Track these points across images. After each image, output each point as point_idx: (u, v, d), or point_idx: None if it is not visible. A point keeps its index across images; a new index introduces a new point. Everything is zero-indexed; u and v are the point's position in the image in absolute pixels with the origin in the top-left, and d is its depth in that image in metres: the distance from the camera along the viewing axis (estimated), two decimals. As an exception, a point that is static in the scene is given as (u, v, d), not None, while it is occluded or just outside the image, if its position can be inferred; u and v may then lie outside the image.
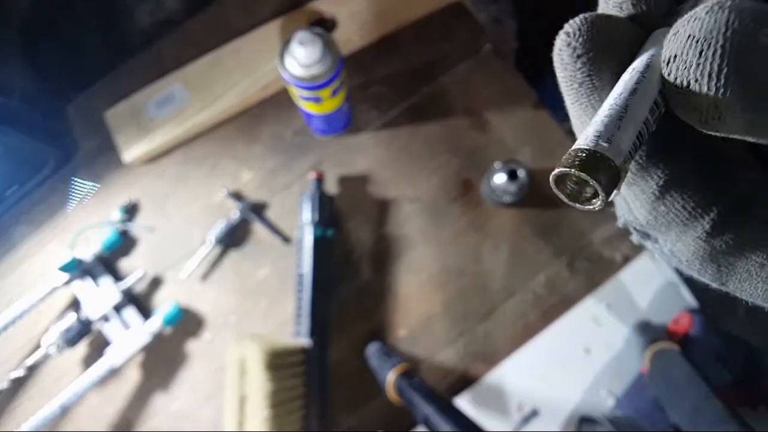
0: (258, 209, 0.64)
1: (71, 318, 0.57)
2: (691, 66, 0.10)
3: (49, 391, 0.59)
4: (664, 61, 0.11)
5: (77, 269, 0.59)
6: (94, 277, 0.60)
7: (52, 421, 0.55)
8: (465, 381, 0.60)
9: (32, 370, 0.58)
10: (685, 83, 0.11)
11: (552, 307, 0.61)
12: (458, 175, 0.64)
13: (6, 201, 0.64)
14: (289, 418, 0.53)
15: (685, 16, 0.11)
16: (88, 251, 0.60)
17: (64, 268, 0.58)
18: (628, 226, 0.16)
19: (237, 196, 0.64)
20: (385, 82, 0.67)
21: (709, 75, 0.10)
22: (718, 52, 0.10)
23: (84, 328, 0.57)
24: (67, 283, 0.59)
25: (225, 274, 0.63)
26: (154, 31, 0.69)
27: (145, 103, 0.65)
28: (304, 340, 0.56)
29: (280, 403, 0.51)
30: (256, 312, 0.62)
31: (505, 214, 0.63)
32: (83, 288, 0.60)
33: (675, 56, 0.11)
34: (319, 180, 0.61)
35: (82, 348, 0.60)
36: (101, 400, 0.60)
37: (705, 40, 0.10)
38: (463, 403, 0.59)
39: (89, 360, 0.60)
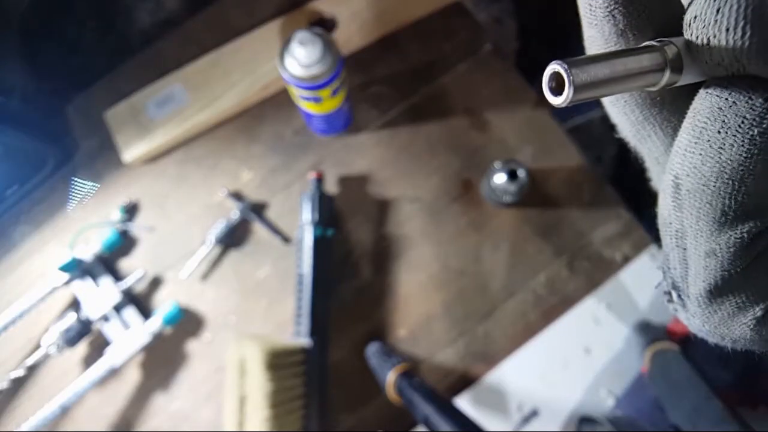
0: (258, 209, 0.64)
1: (71, 318, 0.57)
2: (709, 23, 0.11)
3: (49, 391, 0.59)
4: (686, 24, 0.11)
5: (77, 269, 0.59)
6: (94, 277, 0.60)
7: (52, 421, 0.55)
8: (465, 381, 0.60)
9: (32, 370, 0.58)
10: (705, 41, 0.11)
11: (552, 307, 0.61)
12: (458, 175, 0.64)
13: (6, 201, 0.64)
14: (289, 418, 0.53)
15: None
16: (88, 251, 0.60)
17: (64, 268, 0.58)
18: (671, 290, 0.16)
19: (237, 195, 0.64)
20: (386, 81, 0.67)
21: (727, 30, 0.10)
22: (734, 6, 0.10)
23: (84, 328, 0.57)
24: (67, 283, 0.59)
25: (225, 274, 0.63)
26: (154, 31, 0.69)
27: (145, 102, 0.65)
28: (304, 340, 0.56)
29: (280, 403, 0.51)
30: (256, 312, 0.62)
31: (505, 214, 0.63)
32: (83, 288, 0.60)
33: (695, 17, 0.11)
34: (319, 180, 0.61)
35: (82, 348, 0.60)
36: (101, 400, 0.60)
37: None
38: (463, 403, 0.59)
39: (89, 360, 0.60)
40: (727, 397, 0.58)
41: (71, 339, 0.56)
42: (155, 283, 0.62)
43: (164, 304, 0.61)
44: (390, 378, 0.55)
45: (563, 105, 0.11)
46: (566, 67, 0.11)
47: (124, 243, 0.63)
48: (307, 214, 0.59)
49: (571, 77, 0.11)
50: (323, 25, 0.66)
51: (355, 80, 0.66)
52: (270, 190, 0.65)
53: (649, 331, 0.63)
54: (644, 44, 0.12)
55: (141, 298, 0.62)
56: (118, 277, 0.62)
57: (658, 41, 0.12)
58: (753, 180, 0.12)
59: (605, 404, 0.60)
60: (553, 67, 0.11)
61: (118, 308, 0.59)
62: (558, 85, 0.11)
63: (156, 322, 0.58)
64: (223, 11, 0.69)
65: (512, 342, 0.61)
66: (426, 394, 0.52)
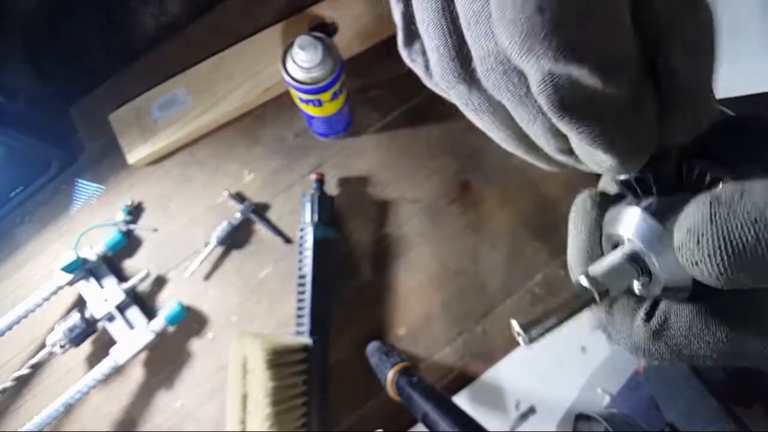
0: (260, 210, 0.65)
1: (76, 317, 0.58)
2: (693, 251, 0.13)
3: (53, 389, 0.60)
4: (677, 245, 0.14)
5: (81, 269, 0.60)
6: (99, 277, 0.61)
7: (56, 419, 0.56)
8: (463, 379, 0.61)
9: (37, 368, 0.59)
10: (693, 262, 0.14)
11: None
12: (457, 177, 0.65)
13: (10, 202, 0.65)
14: (291, 416, 0.53)
15: (685, 211, 0.14)
16: (92, 251, 0.61)
17: (68, 268, 0.59)
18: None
19: (239, 197, 0.65)
20: (385, 85, 0.68)
21: (708, 257, 0.13)
22: (708, 240, 0.13)
23: (88, 328, 0.58)
24: (72, 283, 0.60)
25: (227, 274, 0.63)
26: (158, 35, 0.70)
27: (149, 105, 0.66)
28: (305, 339, 0.57)
29: (282, 401, 0.52)
30: (257, 311, 0.63)
31: (502, 214, 0.64)
32: (88, 288, 0.60)
33: (682, 244, 0.14)
34: (320, 181, 0.62)
35: (86, 347, 0.61)
36: (105, 398, 0.61)
37: (698, 231, 0.13)
38: (462, 401, 0.60)
39: (93, 359, 0.61)
40: (722, 396, 0.58)
41: (76, 338, 0.57)
42: (159, 282, 0.63)
43: (167, 304, 0.62)
44: (390, 376, 0.56)
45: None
46: (520, 330, 0.15)
47: (128, 243, 0.64)
48: (308, 215, 0.60)
49: (525, 335, 0.15)
50: (324, 30, 0.67)
51: (355, 83, 0.67)
52: (272, 192, 0.66)
53: (645, 331, 0.63)
54: (579, 287, 0.16)
55: (144, 297, 0.63)
56: (122, 277, 0.62)
57: (590, 279, 0.16)
58: None
59: (601, 402, 0.61)
60: (515, 327, 0.15)
61: (122, 308, 0.60)
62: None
63: (159, 322, 0.59)
64: (225, 16, 0.70)
65: (510, 341, 0.62)
66: (425, 392, 0.53)
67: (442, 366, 0.61)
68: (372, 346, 0.60)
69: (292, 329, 0.59)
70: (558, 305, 0.16)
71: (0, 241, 0.66)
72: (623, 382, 0.62)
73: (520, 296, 0.62)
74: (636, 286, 0.16)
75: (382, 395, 0.58)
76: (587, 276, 0.16)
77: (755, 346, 0.15)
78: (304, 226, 0.60)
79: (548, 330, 0.15)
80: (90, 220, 0.65)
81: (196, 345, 0.62)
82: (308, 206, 0.60)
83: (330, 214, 0.61)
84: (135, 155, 0.65)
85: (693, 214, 0.13)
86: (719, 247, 0.13)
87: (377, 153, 0.66)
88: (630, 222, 0.16)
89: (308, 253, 0.59)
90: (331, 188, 0.65)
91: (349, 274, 0.63)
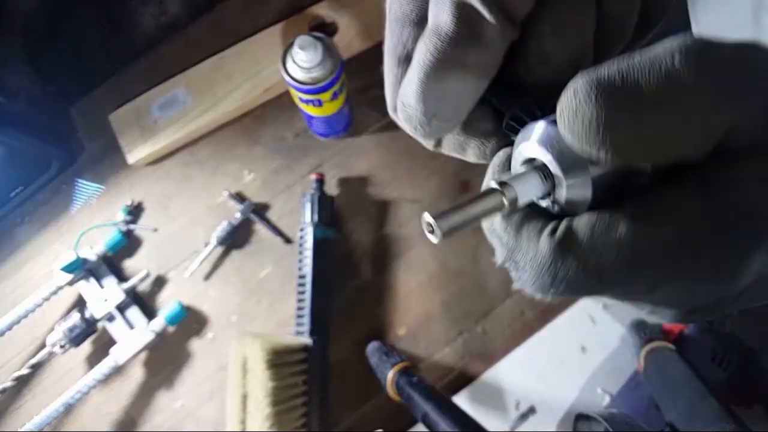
0: (260, 210, 0.65)
1: (76, 317, 0.58)
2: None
3: (53, 389, 0.60)
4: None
5: (81, 269, 0.60)
6: (99, 277, 0.61)
7: (56, 419, 0.56)
8: (464, 379, 0.61)
9: (37, 368, 0.59)
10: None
11: (549, 307, 0.62)
12: (457, 177, 0.65)
13: (11, 202, 0.65)
14: (291, 416, 0.53)
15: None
16: (92, 251, 0.61)
17: (68, 268, 0.59)
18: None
19: (239, 197, 0.65)
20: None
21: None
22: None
23: (88, 328, 0.58)
24: (72, 283, 0.60)
25: (227, 274, 0.63)
26: (158, 35, 0.70)
27: (149, 105, 0.66)
28: (305, 339, 0.57)
29: (282, 401, 0.52)
30: (257, 311, 0.63)
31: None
32: (88, 288, 0.60)
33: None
34: (320, 181, 0.62)
35: (86, 347, 0.61)
36: (105, 398, 0.61)
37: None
38: (462, 401, 0.60)
39: (93, 359, 0.61)
40: (722, 396, 0.58)
41: (76, 338, 0.57)
42: (159, 282, 0.63)
43: (167, 304, 0.62)
44: (390, 376, 0.56)
45: (438, 242, 0.15)
46: (434, 220, 0.15)
47: (128, 243, 0.64)
48: (308, 215, 0.60)
49: (439, 228, 0.15)
50: (324, 29, 0.67)
51: (355, 83, 0.67)
52: (272, 192, 0.66)
53: (645, 330, 0.64)
54: (489, 189, 0.16)
55: (145, 297, 0.63)
56: (122, 277, 0.62)
57: (500, 184, 0.16)
58: None
59: (601, 402, 0.61)
60: (426, 218, 0.15)
61: (121, 308, 0.60)
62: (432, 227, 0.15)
63: (159, 322, 0.59)
64: (225, 16, 0.70)
65: (510, 341, 0.62)
66: (425, 392, 0.53)
67: (442, 366, 0.61)
68: (372, 346, 0.60)
69: (292, 329, 0.59)
70: (468, 203, 0.16)
71: (0, 241, 0.66)
72: (623, 382, 0.62)
73: (520, 296, 0.62)
74: (542, 189, 0.16)
75: (382, 395, 0.58)
76: (497, 180, 0.16)
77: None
78: (304, 226, 0.60)
79: (459, 225, 0.15)
80: (90, 220, 0.65)
81: (196, 345, 0.62)
82: (308, 206, 0.60)
83: (330, 214, 0.61)
84: (135, 155, 0.65)
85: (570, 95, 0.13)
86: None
87: (377, 153, 0.66)
88: (533, 134, 0.17)
89: (308, 253, 0.59)
90: (331, 188, 0.65)
91: (349, 274, 0.63)
